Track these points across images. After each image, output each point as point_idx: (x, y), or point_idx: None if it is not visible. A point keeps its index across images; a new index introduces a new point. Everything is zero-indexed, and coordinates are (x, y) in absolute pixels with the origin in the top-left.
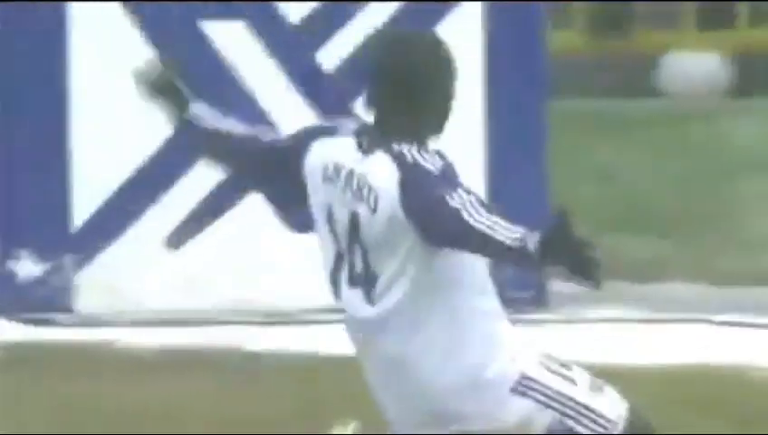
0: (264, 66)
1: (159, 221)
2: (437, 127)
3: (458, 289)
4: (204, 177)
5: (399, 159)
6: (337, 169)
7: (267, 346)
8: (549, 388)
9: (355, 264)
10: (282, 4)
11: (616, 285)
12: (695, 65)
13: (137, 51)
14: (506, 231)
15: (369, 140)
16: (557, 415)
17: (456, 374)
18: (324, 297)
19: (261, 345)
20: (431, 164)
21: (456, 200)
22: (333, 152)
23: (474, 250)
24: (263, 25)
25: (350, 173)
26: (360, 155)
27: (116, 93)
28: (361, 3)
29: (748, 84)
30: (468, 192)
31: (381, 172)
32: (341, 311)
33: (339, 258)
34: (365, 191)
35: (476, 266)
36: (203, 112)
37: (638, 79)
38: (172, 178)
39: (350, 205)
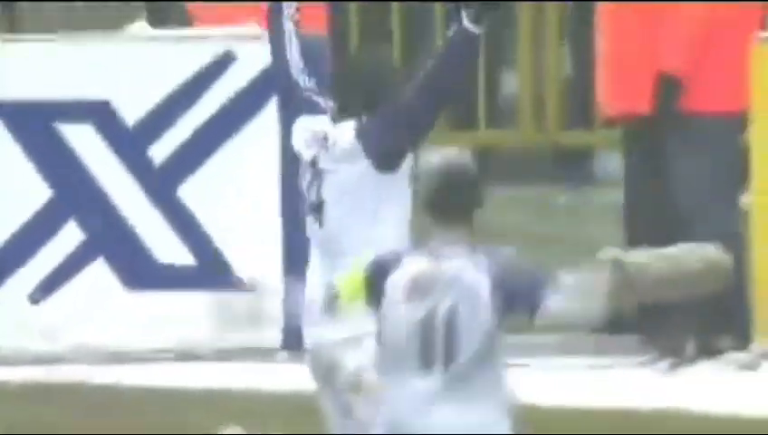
0: (108, 163)
1: (24, 281)
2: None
3: (382, 220)
4: (63, 244)
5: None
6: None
7: (106, 381)
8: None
9: (312, 196)
10: (122, 109)
11: None
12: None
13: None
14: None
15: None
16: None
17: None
18: (154, 341)
19: (101, 380)
20: None
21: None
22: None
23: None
24: (106, 127)
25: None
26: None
27: None
28: (188, 104)
29: (485, 175)
30: None
31: (347, 126)
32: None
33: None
34: (330, 140)
35: (397, 212)
36: None
37: None
38: (37, 246)
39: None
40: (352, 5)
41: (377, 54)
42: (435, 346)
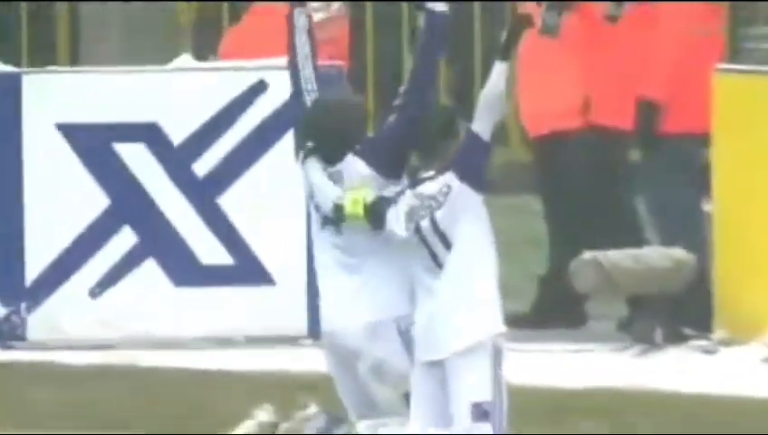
0: (158, 176)
1: (86, 277)
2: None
3: None
4: (118, 246)
5: None
6: None
7: (153, 364)
8: None
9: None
10: (169, 130)
11: None
12: None
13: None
14: None
15: None
16: None
17: None
18: (196, 330)
19: (149, 363)
20: None
21: None
22: None
23: None
24: (156, 146)
25: None
26: None
27: (64, 175)
28: (226, 125)
29: None
30: None
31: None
32: (209, 339)
33: None
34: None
35: None
36: None
37: None
38: (96, 248)
39: None
40: None
41: (342, 98)
42: (436, 246)
